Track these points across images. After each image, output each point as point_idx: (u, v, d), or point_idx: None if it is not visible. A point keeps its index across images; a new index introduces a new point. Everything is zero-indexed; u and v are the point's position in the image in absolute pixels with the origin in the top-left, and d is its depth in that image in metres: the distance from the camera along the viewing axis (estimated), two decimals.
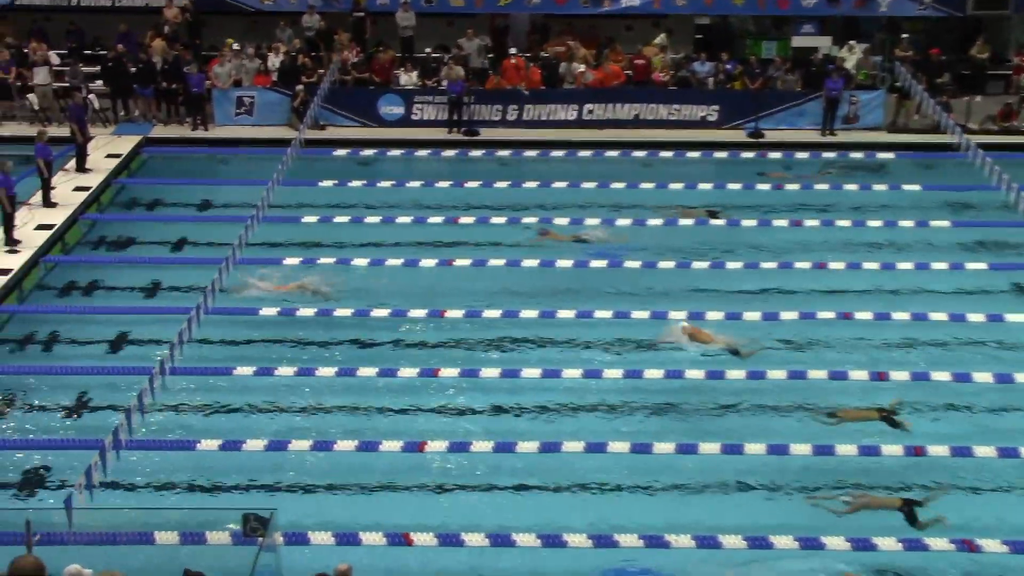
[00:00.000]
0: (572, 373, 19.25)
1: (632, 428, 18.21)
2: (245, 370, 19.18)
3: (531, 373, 19.20)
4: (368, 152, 29.10)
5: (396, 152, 29.17)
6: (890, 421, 18.23)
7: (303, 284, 22.17)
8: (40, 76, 30.24)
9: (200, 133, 30.17)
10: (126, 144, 29.04)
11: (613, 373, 19.26)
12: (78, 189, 26.18)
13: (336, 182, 26.84)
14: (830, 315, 21.05)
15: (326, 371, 19.28)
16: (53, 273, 23.13)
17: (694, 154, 29.03)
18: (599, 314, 21.02)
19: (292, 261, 22.90)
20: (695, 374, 19.19)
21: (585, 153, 29.01)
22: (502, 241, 24.13)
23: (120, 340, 20.67)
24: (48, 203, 25.10)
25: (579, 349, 20.42)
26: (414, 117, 30.71)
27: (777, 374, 19.20)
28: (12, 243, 23.14)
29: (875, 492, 16.69)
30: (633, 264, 23.07)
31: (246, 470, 17.09)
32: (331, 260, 23.00)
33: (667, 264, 23.10)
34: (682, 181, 26.98)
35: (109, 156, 28.20)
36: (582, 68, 30.99)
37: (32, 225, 24.07)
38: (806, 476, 17.05)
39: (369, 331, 20.81)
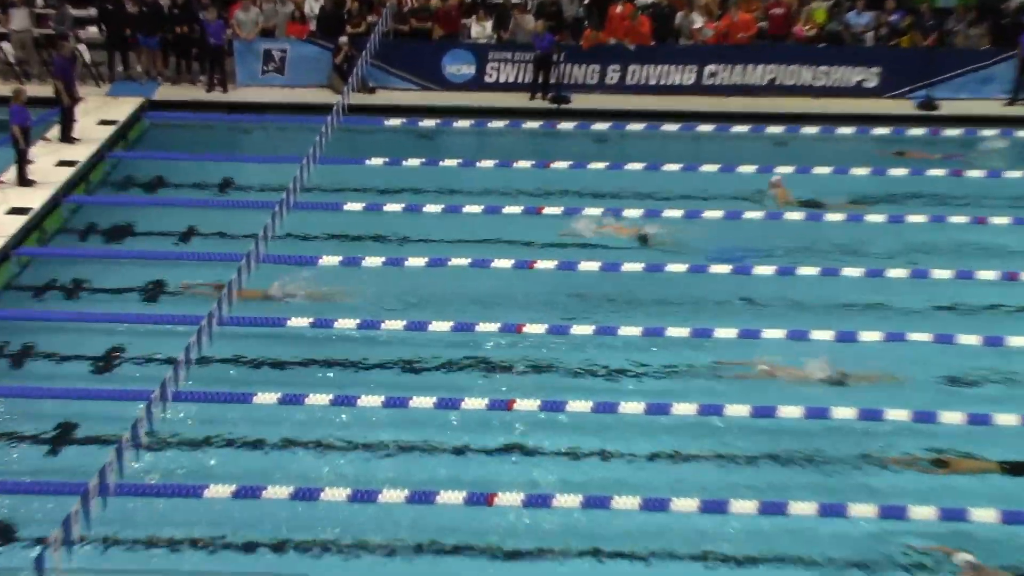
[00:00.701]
0: (683, 408, 19.06)
1: (760, 481, 18.04)
2: (267, 397, 19.17)
3: (631, 408, 19.00)
4: (429, 122, 29.23)
5: (464, 123, 29.27)
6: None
7: (283, 290, 22.33)
8: (17, 20, 30.62)
9: (217, 95, 30.44)
10: (124, 108, 29.39)
11: (736, 410, 19.06)
12: (62, 164, 26.43)
13: (387, 160, 26.99)
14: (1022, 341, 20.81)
15: (370, 400, 19.18)
16: (29, 271, 23.37)
17: (846, 130, 28.94)
18: (720, 333, 20.88)
19: (330, 260, 23.00)
20: (844, 413, 18.93)
21: (705, 127, 28.98)
22: (597, 240, 24.23)
23: (112, 356, 20.83)
24: (24, 180, 25.35)
25: (691, 376, 20.33)
26: (488, 79, 30.82)
27: (952, 417, 18.90)
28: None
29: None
30: (765, 270, 22.92)
31: (269, 524, 17.01)
32: (379, 260, 23.05)
33: (809, 270, 22.89)
34: (829, 164, 26.77)
35: (102, 123, 28.54)
36: (699, 24, 30.82)
37: (3, 209, 24.35)
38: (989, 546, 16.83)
39: (425, 349, 20.87)
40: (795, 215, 24.88)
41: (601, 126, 29.16)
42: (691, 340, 20.81)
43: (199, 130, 29.38)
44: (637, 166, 26.83)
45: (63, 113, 27.63)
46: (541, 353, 20.79)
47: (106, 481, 16.14)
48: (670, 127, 28.96)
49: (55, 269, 23.40)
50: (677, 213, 24.87)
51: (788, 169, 26.52)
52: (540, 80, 30.32)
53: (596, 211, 24.84)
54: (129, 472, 16.72)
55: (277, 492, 17.27)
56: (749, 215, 24.85)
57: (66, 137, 27.54)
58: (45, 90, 28.32)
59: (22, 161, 25.45)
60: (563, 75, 30.44)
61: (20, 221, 23.97)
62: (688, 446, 18.67)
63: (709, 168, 26.70)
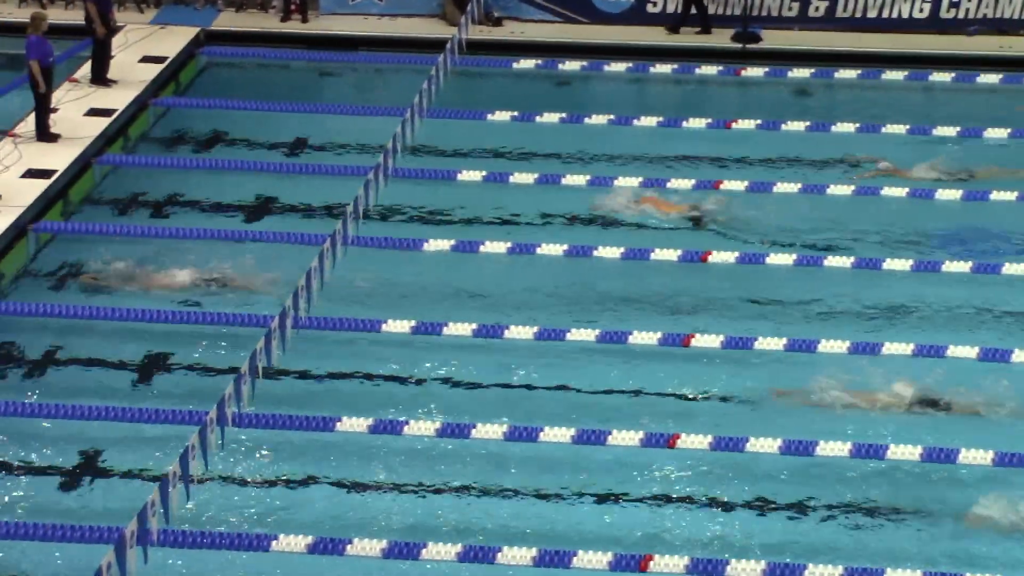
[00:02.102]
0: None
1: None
2: (356, 423, 19.32)
3: (834, 448, 18.73)
4: (571, 66, 29.62)
5: (618, 67, 29.56)
6: None
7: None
8: None
9: (295, 27, 30.79)
10: (174, 41, 29.85)
11: None
12: (93, 113, 26.85)
13: (516, 115, 27.34)
14: None
15: (488, 430, 19.32)
16: (50, 251, 23.69)
17: None
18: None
19: (439, 245, 23.23)
20: None
21: (941, 77, 28.96)
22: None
23: (154, 365, 21.07)
24: (44, 134, 25.66)
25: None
26: (651, 8, 30.86)
27: None
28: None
29: None
30: (957, 266, 22.71)
31: None
32: (502, 246, 23.24)
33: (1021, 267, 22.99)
34: None
35: (145, 60, 28.99)
36: None
37: (17, 171, 24.65)
38: None
39: (557, 367, 20.88)
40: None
41: (801, 73, 29.32)
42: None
43: (270, 71, 29.82)
44: (848, 127, 26.93)
45: (95, 47, 27.93)
46: (722, 375, 20.60)
47: (147, 527, 16.47)
48: (894, 75, 29.08)
49: (85, 248, 23.70)
50: (900, 192, 24.86)
51: None
52: (714, 11, 30.33)
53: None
54: (177, 516, 17.05)
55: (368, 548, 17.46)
56: (998, 195, 24.68)
57: (99, 78, 27.89)
58: (73, 16, 28.82)
59: (42, 109, 25.71)
60: (750, 5, 30.49)
61: (40, 187, 24.28)
62: None
63: (946, 131, 26.71)
